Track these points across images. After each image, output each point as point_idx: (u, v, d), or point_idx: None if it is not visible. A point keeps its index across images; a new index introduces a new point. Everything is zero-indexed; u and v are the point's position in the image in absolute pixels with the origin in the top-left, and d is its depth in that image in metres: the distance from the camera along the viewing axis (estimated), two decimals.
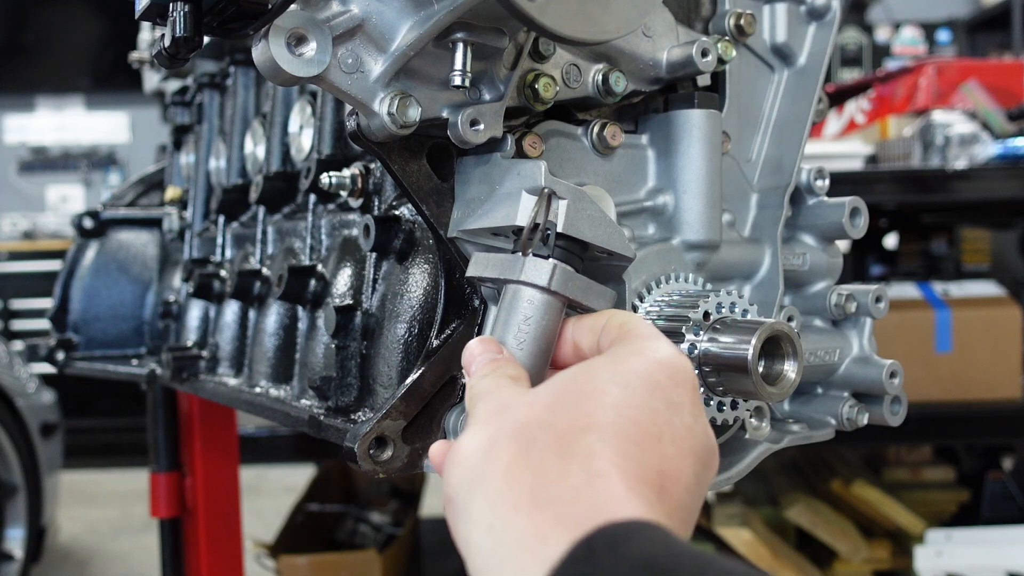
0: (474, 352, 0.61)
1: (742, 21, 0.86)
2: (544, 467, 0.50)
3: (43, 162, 5.94)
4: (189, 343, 1.30)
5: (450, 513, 0.53)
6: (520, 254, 0.61)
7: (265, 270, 1.13)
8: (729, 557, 0.49)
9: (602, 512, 0.47)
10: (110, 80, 5.68)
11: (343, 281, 0.93)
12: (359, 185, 0.90)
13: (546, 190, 0.61)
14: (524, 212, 0.63)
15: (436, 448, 0.62)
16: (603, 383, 0.54)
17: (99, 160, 5.95)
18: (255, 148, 1.23)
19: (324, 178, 0.90)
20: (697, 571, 0.42)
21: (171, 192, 1.55)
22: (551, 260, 0.61)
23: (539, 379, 0.61)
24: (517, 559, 0.47)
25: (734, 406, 0.74)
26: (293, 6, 0.60)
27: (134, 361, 1.46)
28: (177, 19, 0.59)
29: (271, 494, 3.94)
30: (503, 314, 0.62)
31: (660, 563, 0.43)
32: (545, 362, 0.62)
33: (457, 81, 0.64)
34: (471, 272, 0.66)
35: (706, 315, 0.70)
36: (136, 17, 0.63)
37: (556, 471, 0.49)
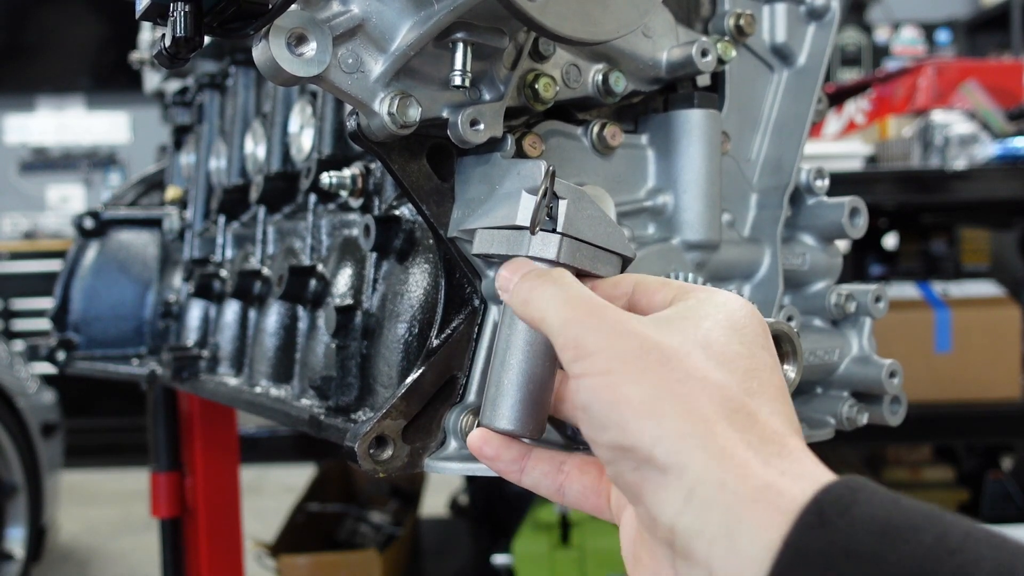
0: (513, 270, 0.59)
1: (742, 21, 0.86)
2: (743, 424, 0.48)
3: (44, 162, 5.94)
4: (189, 343, 1.30)
5: (639, 467, 0.48)
6: (527, 229, 0.61)
7: (265, 270, 1.13)
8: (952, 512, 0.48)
9: (812, 472, 0.46)
10: (111, 80, 5.68)
11: (343, 281, 0.93)
12: (359, 185, 0.90)
13: (550, 168, 0.62)
14: (524, 212, 0.63)
15: (480, 436, 0.60)
16: (729, 341, 0.52)
17: (99, 160, 5.95)
18: (255, 148, 1.24)
19: (324, 178, 0.90)
20: (939, 531, 0.41)
21: (171, 192, 1.55)
22: (558, 233, 0.61)
23: (554, 353, 0.61)
24: (762, 515, 0.44)
25: None
26: (293, 6, 0.60)
27: (134, 361, 1.46)
28: (178, 19, 0.59)
29: (271, 494, 3.94)
30: None
31: (896, 523, 0.42)
32: None
33: (457, 81, 0.64)
34: (476, 249, 0.66)
35: None
36: (137, 17, 0.63)
37: (755, 433, 0.48)
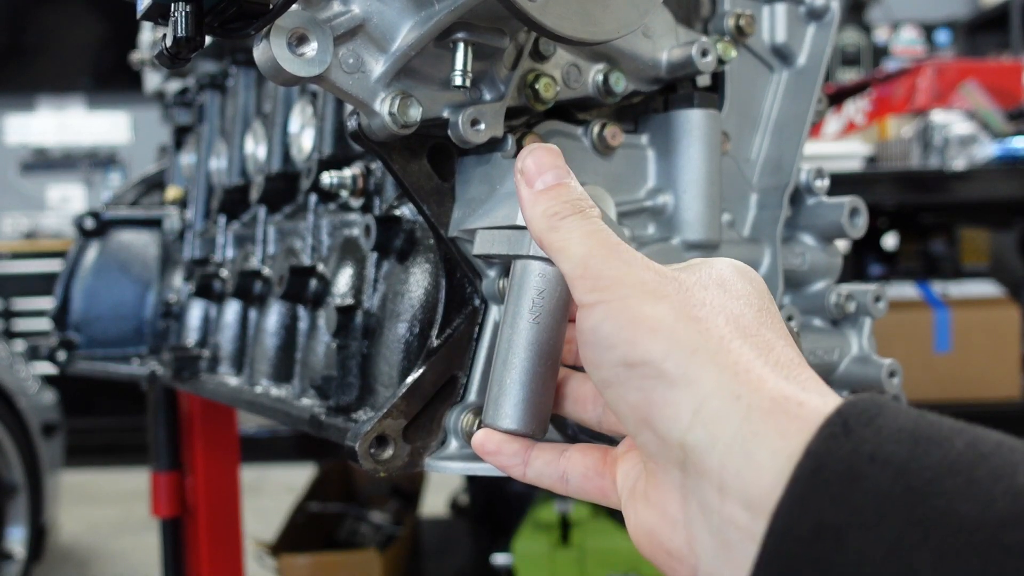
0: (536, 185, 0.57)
1: (742, 21, 0.86)
2: (759, 349, 0.48)
3: (44, 162, 5.94)
4: (190, 343, 1.30)
5: (647, 383, 0.48)
6: (527, 229, 0.62)
7: (266, 270, 1.13)
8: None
9: (827, 390, 0.46)
10: (111, 80, 5.68)
11: (344, 281, 0.93)
12: (360, 185, 0.90)
13: None
14: None
15: (485, 436, 0.61)
16: (742, 287, 0.52)
17: (100, 160, 5.95)
18: (256, 148, 1.24)
19: (325, 178, 0.90)
20: (969, 438, 0.40)
21: (172, 192, 1.55)
22: None
23: (558, 350, 0.61)
24: (780, 424, 0.43)
25: None
26: (294, 6, 0.60)
27: (135, 361, 1.46)
28: (179, 19, 0.59)
29: (271, 494, 3.94)
30: (515, 290, 0.62)
31: (925, 432, 0.41)
32: (562, 333, 0.62)
33: (458, 81, 0.64)
34: (477, 250, 0.67)
35: None
36: (138, 17, 0.63)
37: (771, 357, 0.48)
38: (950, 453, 0.39)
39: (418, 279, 0.81)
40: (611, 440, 0.62)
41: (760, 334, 0.49)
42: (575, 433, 0.66)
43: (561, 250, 0.54)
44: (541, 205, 0.56)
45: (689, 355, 0.47)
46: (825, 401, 0.44)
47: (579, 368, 0.63)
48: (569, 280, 0.53)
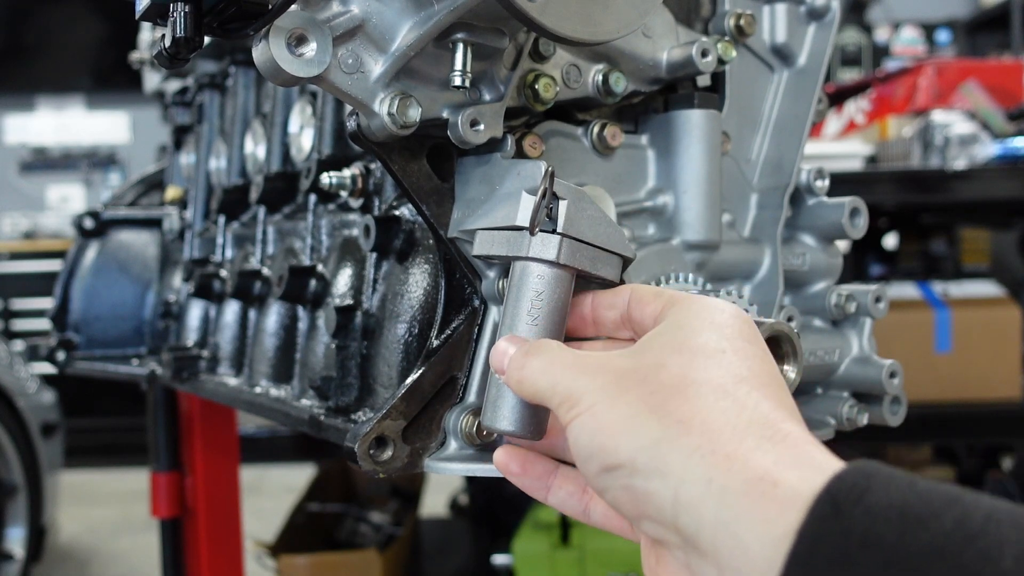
0: (504, 348, 0.59)
1: (742, 21, 0.86)
2: (726, 415, 0.48)
3: (44, 162, 5.94)
4: (189, 343, 1.30)
5: (627, 481, 0.49)
6: (527, 230, 0.61)
7: (265, 270, 1.13)
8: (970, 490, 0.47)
9: (812, 458, 0.45)
10: (110, 80, 5.68)
11: (343, 281, 0.93)
12: (359, 185, 0.90)
13: (549, 168, 0.62)
14: (524, 212, 0.63)
15: (507, 454, 0.61)
16: (707, 339, 0.52)
17: (99, 160, 5.95)
18: (255, 148, 1.23)
19: (324, 178, 0.90)
20: (958, 514, 0.40)
21: (171, 192, 1.55)
22: (558, 234, 0.61)
23: None
24: (757, 508, 0.44)
25: None
26: (293, 6, 0.60)
27: (134, 361, 1.46)
28: (178, 19, 0.59)
29: (271, 494, 3.94)
30: (514, 291, 0.62)
31: (914, 509, 0.41)
32: (560, 335, 0.62)
33: (457, 81, 0.64)
34: (477, 250, 0.67)
35: None
36: (137, 18, 0.63)
37: (743, 418, 0.47)
38: (938, 535, 0.40)
39: (417, 280, 0.81)
40: None
41: (729, 394, 0.49)
42: None
43: (535, 394, 0.56)
44: (509, 377, 0.58)
45: (653, 447, 0.48)
46: (802, 477, 0.44)
47: None
48: (554, 410, 0.55)
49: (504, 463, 0.62)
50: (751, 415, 0.48)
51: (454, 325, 0.74)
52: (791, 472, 0.45)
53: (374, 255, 0.86)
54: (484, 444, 0.72)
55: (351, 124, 0.69)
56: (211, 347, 1.21)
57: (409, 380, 0.72)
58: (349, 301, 0.88)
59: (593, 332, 0.64)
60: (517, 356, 0.58)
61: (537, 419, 0.61)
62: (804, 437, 0.47)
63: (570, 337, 0.63)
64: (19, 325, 5.18)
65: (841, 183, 1.22)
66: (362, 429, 0.69)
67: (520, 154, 0.74)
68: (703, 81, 0.86)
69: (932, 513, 0.41)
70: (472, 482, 2.89)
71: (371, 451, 0.69)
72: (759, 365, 0.52)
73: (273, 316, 1.07)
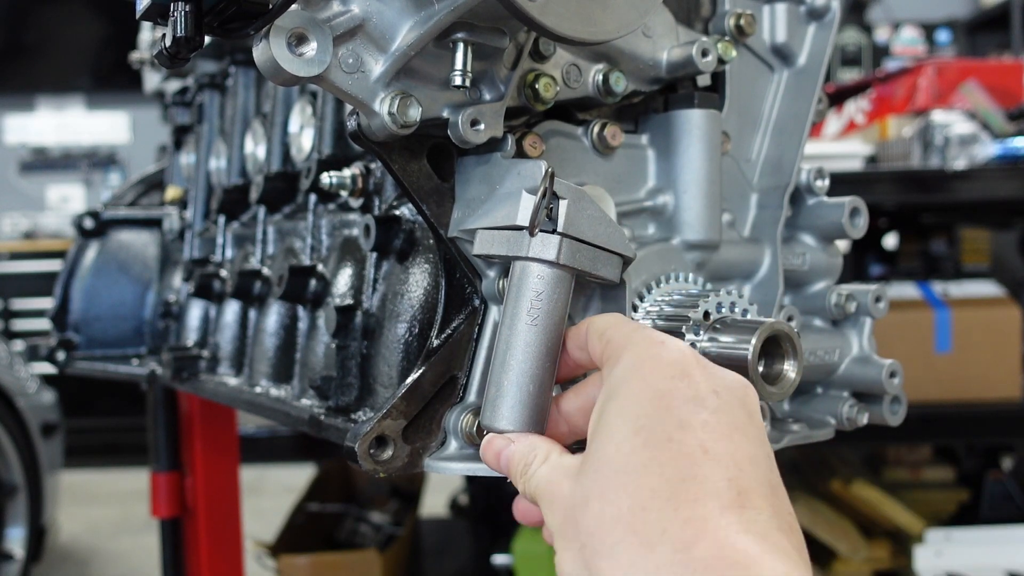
0: (515, 452, 0.60)
1: (742, 21, 0.86)
2: (657, 548, 0.47)
3: (44, 162, 5.94)
4: (189, 343, 1.30)
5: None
6: (526, 230, 0.62)
7: (265, 270, 1.13)
8: None
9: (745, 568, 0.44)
10: (110, 80, 5.68)
11: (343, 281, 0.93)
12: (359, 185, 0.90)
13: (549, 169, 0.62)
14: (524, 212, 0.63)
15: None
16: (625, 447, 0.51)
17: (99, 160, 5.95)
18: (255, 148, 1.23)
19: (325, 178, 0.90)
20: None
21: (171, 192, 1.55)
22: (558, 234, 0.61)
23: (556, 351, 0.61)
24: None
25: None
26: (294, 6, 0.60)
27: (134, 361, 1.46)
28: (178, 19, 0.59)
29: (271, 494, 3.94)
30: (513, 291, 0.62)
31: None
32: (559, 336, 0.62)
33: (457, 81, 0.64)
34: (477, 250, 0.67)
35: (706, 315, 0.70)
36: (137, 17, 0.63)
37: (706, 523, 0.46)
38: None
39: (418, 279, 0.81)
40: None
41: (651, 530, 0.47)
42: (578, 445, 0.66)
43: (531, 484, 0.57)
44: (511, 471, 0.59)
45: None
46: None
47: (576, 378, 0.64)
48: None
49: (520, 516, 0.63)
50: (687, 550, 0.46)
51: (454, 325, 0.74)
52: None
53: (374, 255, 0.86)
54: None
55: (351, 124, 0.69)
56: (211, 347, 1.21)
57: (409, 380, 0.72)
58: (349, 301, 0.88)
59: (579, 372, 0.63)
60: (517, 476, 0.59)
61: (537, 418, 0.61)
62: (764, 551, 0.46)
63: (569, 381, 0.64)
64: (19, 325, 5.18)
65: (841, 183, 1.22)
66: (362, 429, 0.69)
67: (520, 154, 0.74)
68: (703, 81, 0.86)
69: None
70: (472, 482, 2.88)
71: (371, 451, 0.69)
72: (706, 458, 0.49)
73: (273, 316, 1.07)
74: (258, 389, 1.06)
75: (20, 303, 5.19)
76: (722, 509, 0.47)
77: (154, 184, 1.69)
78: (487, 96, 0.70)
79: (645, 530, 0.47)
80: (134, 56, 1.55)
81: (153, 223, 1.56)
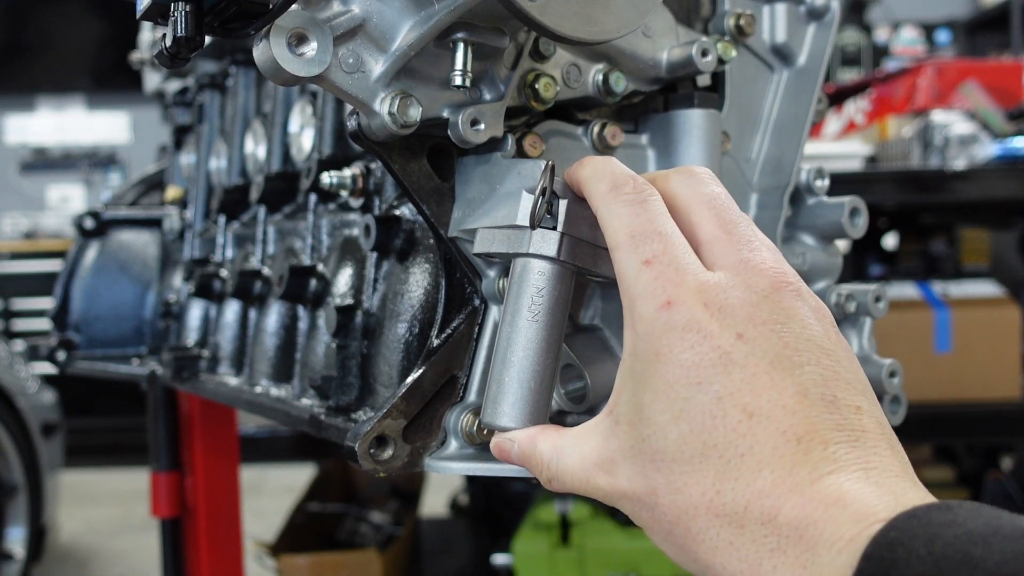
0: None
1: (742, 21, 0.86)
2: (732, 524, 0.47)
3: (44, 162, 5.94)
4: (189, 343, 1.30)
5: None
6: (527, 227, 0.61)
7: (266, 270, 1.13)
8: None
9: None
10: (111, 80, 5.69)
11: (344, 281, 0.93)
12: (360, 185, 0.90)
13: (549, 162, 0.62)
14: (524, 211, 0.63)
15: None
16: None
17: (100, 160, 5.95)
18: (256, 148, 1.24)
19: (325, 178, 0.90)
20: None
21: (172, 192, 1.55)
22: (558, 230, 0.61)
23: (556, 348, 0.61)
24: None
25: None
26: (294, 6, 0.60)
27: (135, 361, 1.46)
28: (178, 19, 0.59)
29: (271, 494, 3.94)
30: (514, 288, 0.62)
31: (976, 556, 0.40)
32: (560, 332, 0.62)
33: (458, 81, 0.64)
34: (477, 248, 0.67)
35: None
36: (137, 17, 0.63)
37: (748, 526, 0.47)
38: None
39: (418, 279, 0.81)
40: None
41: (757, 477, 0.47)
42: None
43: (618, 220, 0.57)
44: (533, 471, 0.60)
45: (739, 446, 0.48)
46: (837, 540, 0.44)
47: None
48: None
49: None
50: (745, 516, 0.47)
51: (454, 324, 0.74)
52: (827, 541, 0.44)
53: (374, 255, 0.86)
54: (484, 443, 0.72)
55: (351, 124, 0.69)
56: (211, 347, 1.21)
57: (410, 379, 0.72)
58: (349, 301, 0.88)
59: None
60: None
61: (538, 415, 0.61)
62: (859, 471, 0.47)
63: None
64: (19, 325, 5.18)
65: (841, 183, 1.22)
66: (363, 428, 0.69)
67: (520, 153, 0.74)
68: (703, 81, 0.86)
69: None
70: (472, 482, 2.89)
71: (371, 450, 0.69)
72: (756, 420, 0.49)
73: (273, 316, 1.07)
74: (258, 389, 1.06)
75: (20, 303, 5.19)
76: (788, 469, 0.46)
77: (154, 184, 1.69)
78: (487, 96, 0.71)
79: (727, 512, 0.47)
80: (134, 56, 1.55)
81: (153, 223, 1.56)
